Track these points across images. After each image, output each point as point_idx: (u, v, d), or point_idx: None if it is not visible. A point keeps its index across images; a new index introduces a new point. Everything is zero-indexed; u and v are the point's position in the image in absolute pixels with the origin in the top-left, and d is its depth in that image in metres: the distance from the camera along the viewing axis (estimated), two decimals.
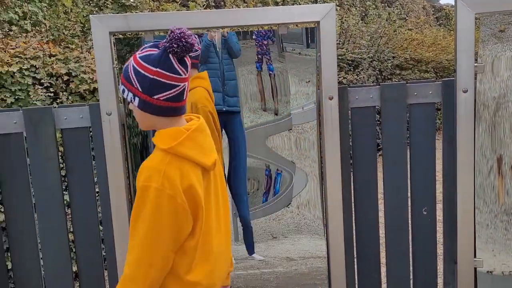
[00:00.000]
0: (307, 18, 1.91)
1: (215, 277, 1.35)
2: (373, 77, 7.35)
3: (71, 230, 2.02)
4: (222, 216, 1.39)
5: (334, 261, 2.06)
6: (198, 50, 1.76)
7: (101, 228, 2.03)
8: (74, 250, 2.10)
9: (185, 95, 1.27)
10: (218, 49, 1.97)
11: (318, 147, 2.08)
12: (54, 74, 3.50)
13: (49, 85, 3.42)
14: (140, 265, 1.21)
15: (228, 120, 2.03)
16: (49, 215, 1.97)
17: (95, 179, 2.00)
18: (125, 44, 2.01)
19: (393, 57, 8.13)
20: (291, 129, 2.07)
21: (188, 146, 1.23)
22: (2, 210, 2.11)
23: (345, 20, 7.59)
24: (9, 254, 2.02)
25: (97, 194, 1.99)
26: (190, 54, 1.25)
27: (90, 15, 1.83)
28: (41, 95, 3.28)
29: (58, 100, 3.48)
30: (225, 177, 1.97)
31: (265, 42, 2.01)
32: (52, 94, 3.42)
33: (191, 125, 1.28)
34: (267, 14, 1.91)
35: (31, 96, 3.26)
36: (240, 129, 2.04)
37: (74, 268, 2.12)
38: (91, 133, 1.95)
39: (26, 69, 3.32)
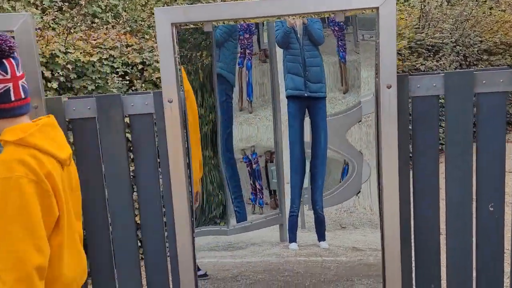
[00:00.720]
0: (366, 4, 1.89)
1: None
2: (456, 63, 6.93)
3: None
4: (76, 225, 1.50)
5: (389, 254, 2.04)
6: None
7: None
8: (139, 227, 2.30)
9: (13, 96, 1.29)
10: (299, 36, 2.00)
11: (376, 138, 2.05)
12: (129, 63, 3.78)
13: (124, 73, 3.71)
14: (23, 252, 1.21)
15: (310, 105, 2.07)
16: (117, 193, 2.17)
17: (158, 161, 2.17)
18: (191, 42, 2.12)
19: (480, 42, 7.58)
20: (360, 121, 2.07)
21: (39, 138, 1.28)
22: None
23: (428, 2, 7.19)
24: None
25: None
26: None
27: (155, 8, 1.98)
28: (118, 83, 3.57)
29: (133, 88, 3.77)
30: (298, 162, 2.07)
31: (336, 29, 2.02)
32: (127, 82, 3.70)
33: (39, 120, 1.40)
34: (324, 1, 1.92)
35: (109, 84, 3.56)
36: (322, 115, 2.06)
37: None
38: (155, 120, 2.11)
39: (105, 59, 3.63)
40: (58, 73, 3.28)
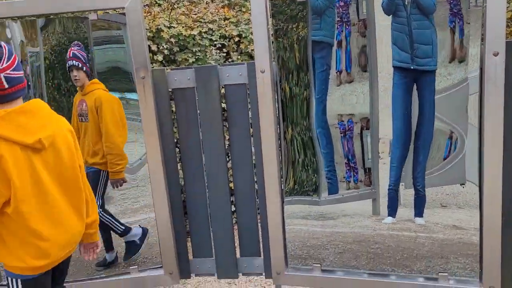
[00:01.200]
0: None
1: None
2: None
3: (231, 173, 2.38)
4: (59, 199, 1.63)
5: (488, 234, 1.94)
6: None
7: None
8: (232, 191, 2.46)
9: None
10: (406, 3, 1.87)
11: (479, 111, 1.93)
12: (227, 36, 3.93)
13: (221, 46, 3.88)
14: None
15: (418, 78, 1.94)
16: (213, 158, 2.34)
17: (251, 130, 2.28)
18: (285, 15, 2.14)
19: None
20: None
21: (1, 126, 1.49)
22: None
23: None
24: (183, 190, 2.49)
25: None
26: None
27: None
28: (215, 55, 3.75)
29: (230, 60, 3.93)
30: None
31: None
32: (224, 54, 3.87)
33: (17, 106, 1.54)
34: None
35: (208, 56, 3.76)
36: (430, 89, 1.92)
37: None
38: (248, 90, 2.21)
39: (204, 32, 3.82)
40: (163, 46, 3.55)
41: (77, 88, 2.26)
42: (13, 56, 1.55)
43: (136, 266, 2.47)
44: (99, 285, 2.46)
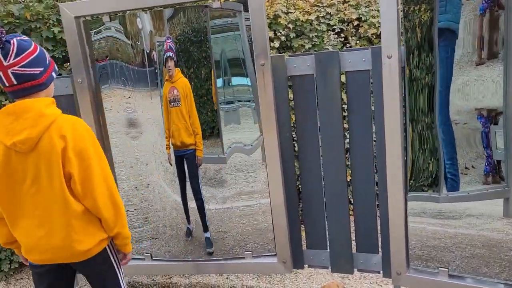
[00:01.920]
0: None
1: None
2: None
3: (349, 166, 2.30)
4: (40, 202, 1.56)
5: None
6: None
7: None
8: (350, 181, 2.38)
9: (5, 81, 1.50)
10: None
11: None
12: (345, 20, 3.80)
13: (340, 30, 3.76)
14: None
15: None
16: (330, 148, 2.28)
17: (373, 120, 2.17)
18: None
19: None
20: None
21: None
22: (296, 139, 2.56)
23: None
24: (299, 179, 2.48)
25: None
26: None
27: None
28: (333, 40, 3.65)
29: (348, 45, 3.79)
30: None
31: None
32: (342, 39, 3.75)
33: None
34: None
35: (325, 42, 3.68)
36: None
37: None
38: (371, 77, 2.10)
39: (322, 17, 3.74)
40: (280, 32, 3.56)
41: (166, 77, 2.40)
42: (25, 53, 1.51)
43: (251, 252, 2.53)
44: (212, 266, 2.57)
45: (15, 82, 1.50)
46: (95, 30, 2.46)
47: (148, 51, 2.41)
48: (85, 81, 2.48)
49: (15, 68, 1.49)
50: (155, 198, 2.67)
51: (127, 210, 2.72)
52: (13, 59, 1.48)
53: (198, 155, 2.46)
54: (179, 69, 2.39)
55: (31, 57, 1.51)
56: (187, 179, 2.53)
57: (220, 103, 2.38)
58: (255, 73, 2.23)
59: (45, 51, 1.58)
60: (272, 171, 2.32)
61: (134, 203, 2.70)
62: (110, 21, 2.45)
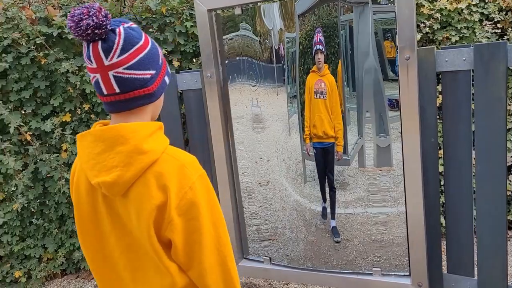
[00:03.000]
0: None
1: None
2: None
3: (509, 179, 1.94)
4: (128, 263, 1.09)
5: None
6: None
7: None
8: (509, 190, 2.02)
9: (104, 89, 1.03)
10: None
11: None
12: (503, 8, 3.31)
13: (497, 20, 3.28)
14: None
15: None
16: (488, 158, 1.95)
17: None
18: None
19: None
20: None
21: (79, 146, 1.09)
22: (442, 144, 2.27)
23: None
24: (443, 192, 2.18)
25: None
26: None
27: None
28: (488, 32, 3.20)
29: (505, 37, 3.30)
30: None
31: None
32: (499, 31, 3.27)
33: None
34: None
35: (476, 34, 3.24)
36: None
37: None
38: None
39: (474, 5, 3.30)
40: (424, 23, 3.22)
41: (313, 69, 2.44)
42: (134, 48, 1.04)
43: (379, 269, 2.31)
44: (334, 280, 2.41)
45: (117, 90, 1.03)
46: (226, 30, 2.54)
47: (276, 48, 2.42)
48: (214, 75, 2.50)
49: (120, 69, 1.02)
50: (275, 197, 2.63)
51: (250, 206, 2.71)
52: (118, 57, 1.01)
53: (338, 150, 2.48)
54: (327, 65, 2.42)
55: (142, 54, 1.04)
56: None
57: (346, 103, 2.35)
58: (396, 69, 2.00)
59: (157, 45, 1.12)
60: (411, 178, 2.07)
61: (259, 199, 2.68)
62: (242, 13, 2.45)
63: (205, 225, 1.03)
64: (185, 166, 1.03)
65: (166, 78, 1.11)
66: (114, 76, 1.02)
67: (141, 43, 1.05)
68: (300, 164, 2.55)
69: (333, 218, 2.54)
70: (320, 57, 2.39)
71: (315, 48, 2.40)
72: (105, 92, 1.04)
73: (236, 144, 2.67)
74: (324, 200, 2.57)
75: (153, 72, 1.06)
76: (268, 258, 2.69)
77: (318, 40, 2.38)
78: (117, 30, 1.02)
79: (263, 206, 2.67)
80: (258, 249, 2.73)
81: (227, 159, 2.62)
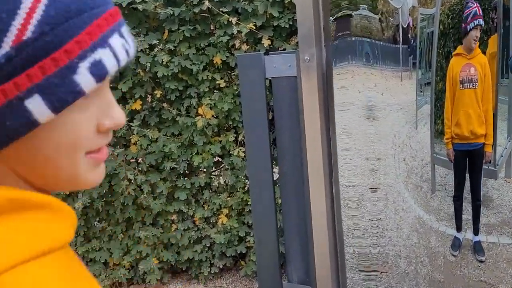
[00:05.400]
0: None
1: None
2: None
3: None
4: None
5: None
6: None
7: None
8: None
9: None
10: None
11: None
12: None
13: None
14: None
15: None
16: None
17: None
18: None
19: None
20: None
21: None
22: None
23: None
24: None
25: None
26: None
27: None
28: None
29: None
30: None
31: None
32: None
33: None
34: None
35: None
36: None
37: None
38: None
39: None
40: None
41: (458, 51, 2.17)
42: None
43: None
44: None
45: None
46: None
47: (404, 26, 2.25)
48: (314, 58, 2.02)
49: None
50: (387, 209, 2.27)
51: (348, 220, 2.37)
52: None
53: (487, 150, 2.17)
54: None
55: None
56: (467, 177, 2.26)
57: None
58: None
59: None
60: None
61: (369, 210, 2.34)
62: None
63: None
64: None
65: (31, 101, 0.43)
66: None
67: None
68: (427, 166, 2.25)
69: (476, 233, 2.19)
70: (478, 35, 2.05)
71: (472, 24, 2.05)
72: None
73: (339, 139, 2.33)
74: (460, 227, 2.17)
75: None
76: None
77: (479, 13, 2.04)
78: None
79: (369, 220, 2.32)
80: (357, 283, 2.33)
81: (325, 169, 2.17)
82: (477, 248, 2.23)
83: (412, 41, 2.25)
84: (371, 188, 2.34)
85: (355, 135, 2.36)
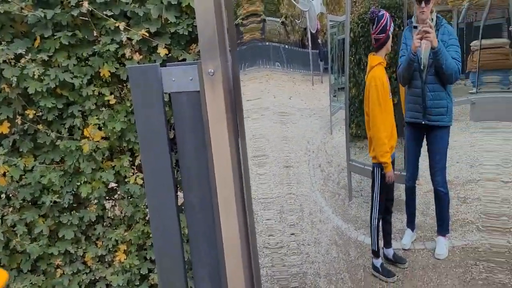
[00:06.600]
0: None
1: None
2: None
3: None
4: None
5: None
6: None
7: None
8: None
9: None
10: (422, 67, 1.90)
11: None
12: None
13: None
14: None
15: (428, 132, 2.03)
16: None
17: None
18: None
19: None
20: None
21: None
22: None
23: None
24: None
25: None
26: None
27: None
28: None
29: None
30: None
31: None
32: None
33: None
34: None
35: None
36: (438, 142, 2.02)
37: None
38: None
39: None
40: None
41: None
42: None
43: None
44: None
45: None
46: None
47: (313, 31, 2.25)
48: (219, 71, 1.83)
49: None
50: (303, 222, 2.21)
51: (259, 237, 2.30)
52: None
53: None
54: None
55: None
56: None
57: None
58: None
59: None
60: None
61: (275, 225, 2.23)
62: None
63: None
64: None
65: None
66: None
67: None
68: (344, 172, 2.23)
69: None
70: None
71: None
72: None
73: (254, 147, 2.25)
74: (389, 243, 2.15)
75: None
76: None
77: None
78: None
79: (283, 235, 2.25)
80: None
81: (236, 190, 1.95)
82: (396, 257, 2.23)
83: (323, 46, 2.26)
84: (287, 198, 2.29)
85: (272, 142, 2.31)
